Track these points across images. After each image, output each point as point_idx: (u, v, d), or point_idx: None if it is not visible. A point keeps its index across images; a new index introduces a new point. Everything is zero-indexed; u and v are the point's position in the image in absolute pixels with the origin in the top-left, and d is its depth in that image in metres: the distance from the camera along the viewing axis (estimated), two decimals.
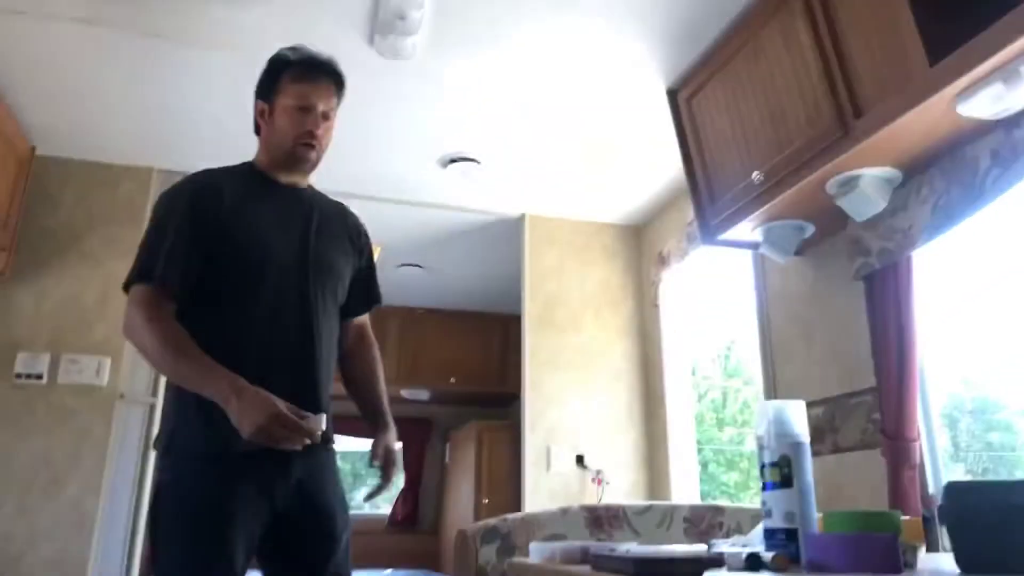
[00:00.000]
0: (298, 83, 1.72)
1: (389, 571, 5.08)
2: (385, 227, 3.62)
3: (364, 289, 1.86)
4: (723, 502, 1.98)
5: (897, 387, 1.82)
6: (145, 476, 2.75)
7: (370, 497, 1.80)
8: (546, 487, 3.13)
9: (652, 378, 3.35)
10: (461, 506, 4.81)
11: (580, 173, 2.90)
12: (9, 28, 2.21)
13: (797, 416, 1.07)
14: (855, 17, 1.71)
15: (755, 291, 2.60)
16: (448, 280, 4.46)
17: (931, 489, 1.88)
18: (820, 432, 2.21)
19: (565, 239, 3.47)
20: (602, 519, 1.84)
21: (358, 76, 2.38)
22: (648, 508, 1.88)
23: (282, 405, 1.39)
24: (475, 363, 5.03)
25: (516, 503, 4.17)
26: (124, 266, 2.90)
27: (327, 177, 1.84)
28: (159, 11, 2.13)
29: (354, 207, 1.83)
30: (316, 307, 1.67)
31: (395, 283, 4.44)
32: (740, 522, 1.92)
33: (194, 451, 1.49)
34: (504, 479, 4.49)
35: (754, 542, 1.18)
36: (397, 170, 3.07)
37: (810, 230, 2.17)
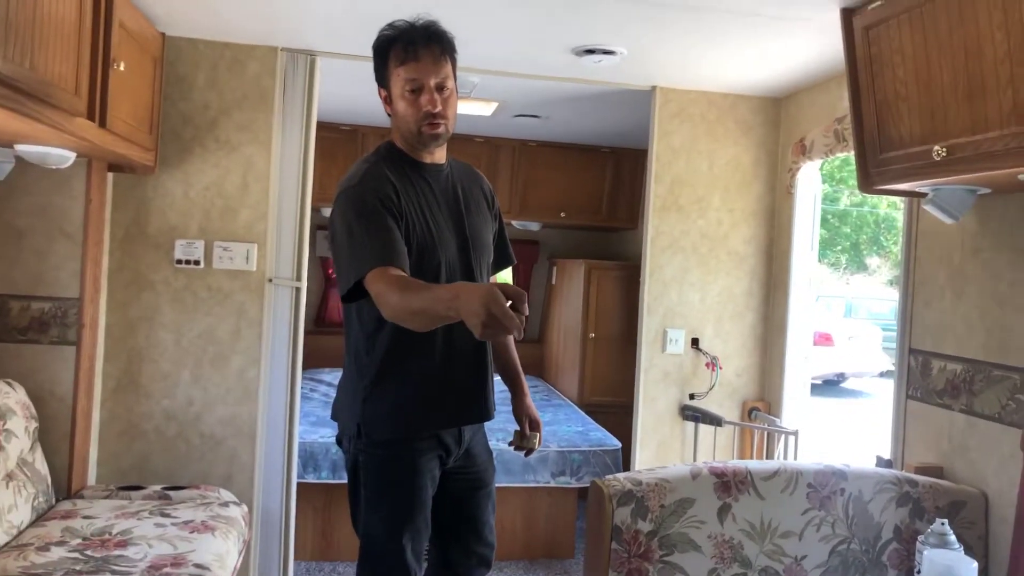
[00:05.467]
0: (404, 65, 1.71)
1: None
2: (506, 89, 3.49)
3: (501, 251, 2.01)
4: (844, 466, 2.07)
5: None
6: (297, 351, 3.03)
7: (519, 450, 2.01)
8: (660, 367, 3.29)
9: (776, 264, 3.31)
10: (566, 328, 5.10)
11: (720, 42, 2.66)
12: None
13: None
14: None
15: (904, 222, 2.47)
16: (564, 127, 4.33)
17: None
18: (955, 388, 2.22)
19: (698, 113, 3.27)
20: (730, 484, 1.96)
21: None
22: (774, 473, 2.00)
23: (495, 294, 1.29)
24: (585, 197, 5.03)
25: (622, 341, 4.41)
26: (259, 153, 3.14)
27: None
28: None
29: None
30: (480, 282, 1.87)
31: (510, 126, 4.35)
32: (862, 489, 2.03)
33: (384, 438, 1.76)
34: (610, 317, 4.73)
35: None
36: (529, 55, 2.90)
37: (985, 191, 2.01)
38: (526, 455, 2.07)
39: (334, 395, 1.99)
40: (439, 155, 1.85)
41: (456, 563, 1.93)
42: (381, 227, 1.63)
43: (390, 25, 1.75)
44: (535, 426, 2.01)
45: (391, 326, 1.69)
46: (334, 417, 1.91)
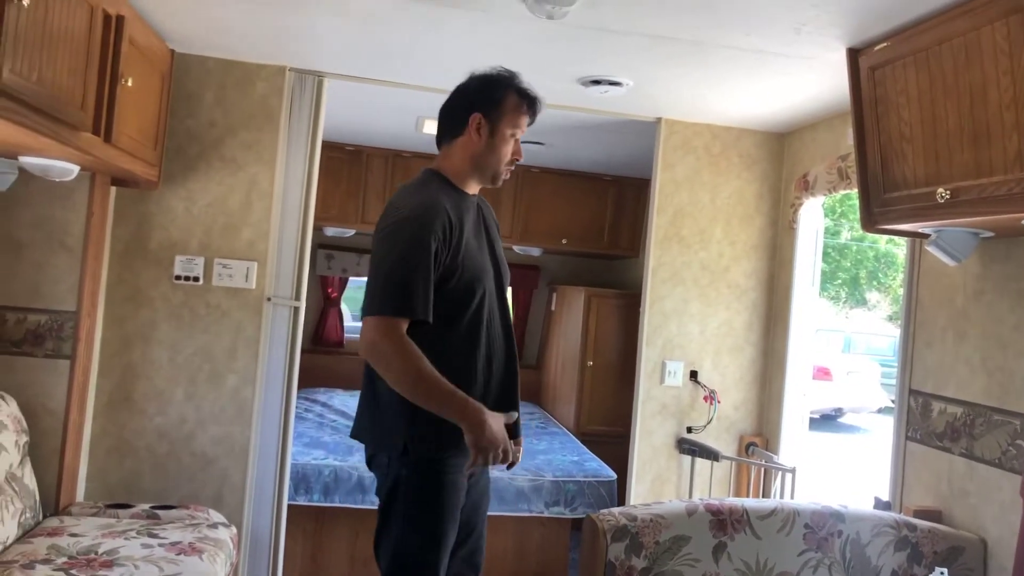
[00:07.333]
0: (522, 115, 1.90)
1: None
2: None
3: None
4: (842, 507, 2.05)
5: None
6: (293, 372, 3.01)
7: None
8: (658, 399, 3.26)
9: (776, 298, 3.31)
10: (564, 355, 5.08)
11: (726, 77, 2.67)
12: None
13: None
14: None
15: (906, 262, 2.46)
16: (567, 154, 4.34)
17: None
18: (955, 431, 2.20)
19: (702, 146, 3.29)
20: (726, 522, 1.94)
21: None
22: (771, 513, 1.97)
23: (503, 438, 1.77)
24: (586, 224, 5.03)
25: (620, 370, 4.39)
26: (263, 172, 3.16)
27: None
28: None
29: None
30: (507, 307, 2.00)
31: None
32: (860, 532, 2.01)
33: (432, 455, 1.83)
34: (609, 345, 4.70)
35: None
36: (536, 83, 2.89)
37: (988, 234, 2.01)
38: (508, 467, 2.05)
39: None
40: (476, 187, 1.95)
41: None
42: (422, 275, 1.72)
43: (508, 70, 1.90)
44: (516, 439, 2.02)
45: (439, 349, 1.76)
46: (359, 437, 1.91)
